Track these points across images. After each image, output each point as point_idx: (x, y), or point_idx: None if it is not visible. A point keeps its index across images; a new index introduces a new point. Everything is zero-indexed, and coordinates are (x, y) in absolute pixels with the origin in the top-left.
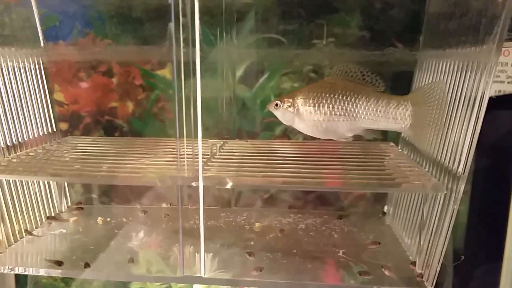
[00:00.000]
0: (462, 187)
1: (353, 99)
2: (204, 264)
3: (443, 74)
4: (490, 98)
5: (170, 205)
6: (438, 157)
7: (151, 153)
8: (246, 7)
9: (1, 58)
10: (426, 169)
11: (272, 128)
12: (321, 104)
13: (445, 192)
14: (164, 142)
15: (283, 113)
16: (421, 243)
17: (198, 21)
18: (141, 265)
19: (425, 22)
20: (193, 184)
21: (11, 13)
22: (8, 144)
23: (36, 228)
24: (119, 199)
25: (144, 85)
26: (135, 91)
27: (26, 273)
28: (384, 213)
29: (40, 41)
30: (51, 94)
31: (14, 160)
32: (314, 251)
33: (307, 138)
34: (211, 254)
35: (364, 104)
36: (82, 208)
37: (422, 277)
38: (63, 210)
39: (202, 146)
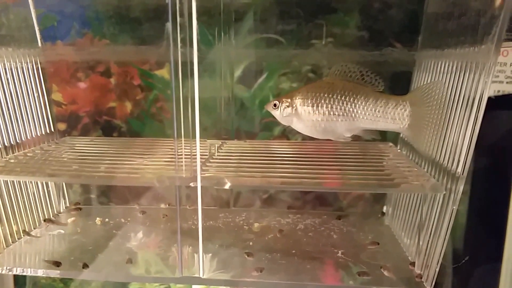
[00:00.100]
0: (461, 188)
1: (351, 99)
2: (202, 264)
3: (441, 74)
4: (489, 98)
5: (168, 205)
6: (437, 158)
7: (150, 153)
8: (244, 7)
9: None
10: (425, 170)
11: (271, 129)
12: (319, 104)
13: (444, 192)
14: (162, 142)
15: (281, 113)
16: (420, 243)
17: (196, 21)
18: (139, 266)
19: (423, 22)
20: (192, 184)
21: (8, 13)
22: (6, 144)
23: (34, 228)
24: (118, 199)
25: (142, 85)
26: (133, 91)
27: (24, 273)
28: (383, 214)
29: (38, 41)
30: (49, 94)
31: (12, 161)
32: (313, 252)
33: (305, 138)
34: (210, 254)
35: (363, 104)
36: (80, 209)
37: (421, 278)
38: (62, 210)
39: (201, 146)
